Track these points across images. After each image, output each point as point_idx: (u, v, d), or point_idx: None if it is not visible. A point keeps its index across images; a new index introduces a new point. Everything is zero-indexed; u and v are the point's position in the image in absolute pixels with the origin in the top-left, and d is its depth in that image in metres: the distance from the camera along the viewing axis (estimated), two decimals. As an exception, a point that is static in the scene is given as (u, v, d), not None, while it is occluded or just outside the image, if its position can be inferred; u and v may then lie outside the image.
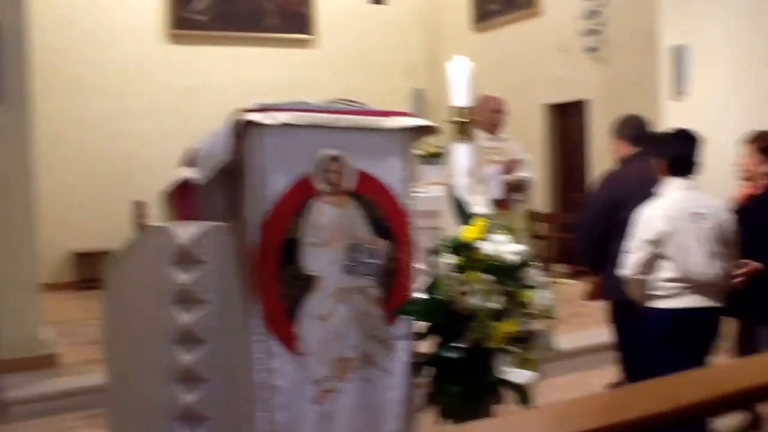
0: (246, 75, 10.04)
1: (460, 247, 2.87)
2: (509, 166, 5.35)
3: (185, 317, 2.58)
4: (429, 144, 5.82)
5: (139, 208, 7.67)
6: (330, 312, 2.74)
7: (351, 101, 2.92)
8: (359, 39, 10.86)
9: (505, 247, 2.83)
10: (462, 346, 2.84)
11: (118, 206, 8.63)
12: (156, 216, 9.05)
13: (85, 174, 9.06)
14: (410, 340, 2.95)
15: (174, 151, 9.47)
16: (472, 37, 10.49)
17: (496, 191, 5.15)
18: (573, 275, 7.39)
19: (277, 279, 2.62)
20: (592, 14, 8.28)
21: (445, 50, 11.19)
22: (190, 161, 2.78)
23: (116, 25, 9.36)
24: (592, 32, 8.28)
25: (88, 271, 8.58)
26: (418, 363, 2.95)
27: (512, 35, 9.72)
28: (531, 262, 2.89)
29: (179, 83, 9.70)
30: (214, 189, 2.84)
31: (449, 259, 2.85)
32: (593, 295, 4.20)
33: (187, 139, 9.63)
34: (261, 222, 2.59)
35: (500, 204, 5.05)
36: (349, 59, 10.72)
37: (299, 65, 10.44)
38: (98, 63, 9.18)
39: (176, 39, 9.80)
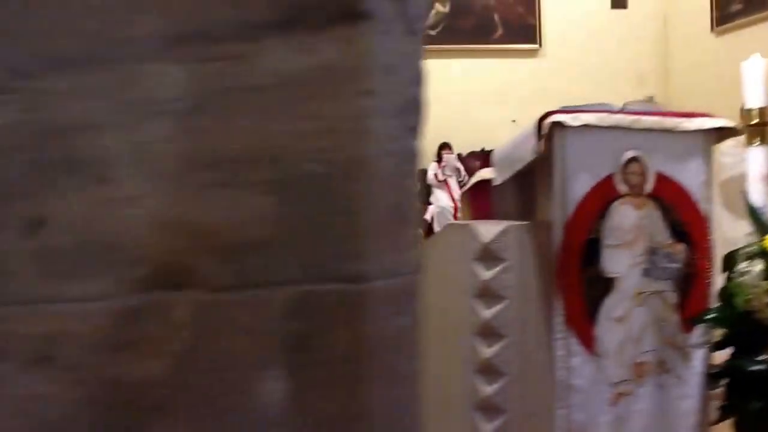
0: (473, 86, 10.21)
1: (765, 255, 2.74)
2: None
3: (486, 312, 2.68)
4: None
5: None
6: (627, 315, 2.73)
7: (648, 101, 2.90)
8: (586, 47, 10.66)
9: (820, 256, 2.66)
10: (766, 359, 2.71)
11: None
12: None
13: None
14: (707, 349, 2.86)
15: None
16: (712, 40, 9.94)
17: None
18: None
19: (578, 279, 2.65)
20: None
21: (680, 55, 10.74)
22: (489, 163, 2.90)
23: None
24: None
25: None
26: (714, 374, 2.85)
27: (758, 36, 9.09)
28: None
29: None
30: (505, 189, 2.93)
31: (753, 267, 2.72)
32: None
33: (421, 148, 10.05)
34: (564, 222, 2.63)
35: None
36: (575, 68, 10.56)
37: (526, 75, 10.44)
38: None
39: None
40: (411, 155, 1.28)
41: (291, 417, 1.12)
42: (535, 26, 10.68)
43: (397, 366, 1.23)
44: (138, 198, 1.04)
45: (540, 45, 10.65)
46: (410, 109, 1.27)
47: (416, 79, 1.29)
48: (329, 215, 1.14)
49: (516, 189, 2.90)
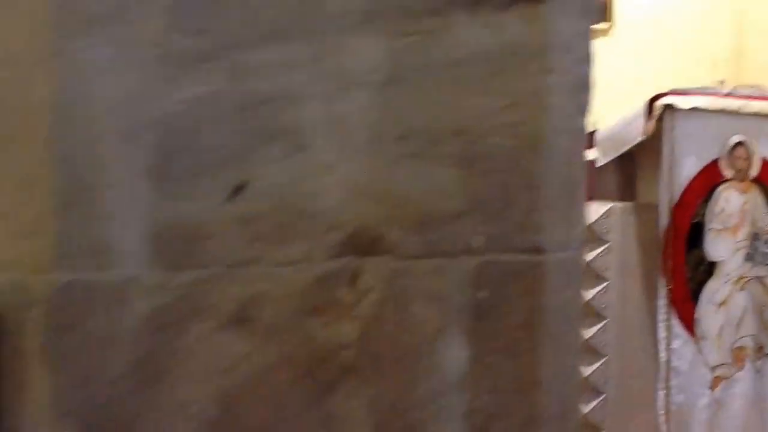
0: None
1: None
2: None
3: (586, 293, 2.70)
4: None
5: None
6: (728, 299, 2.73)
7: (755, 86, 2.88)
8: (659, 27, 10.40)
9: None
10: None
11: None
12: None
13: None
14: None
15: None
16: (789, 23, 9.66)
17: None
18: None
19: (683, 263, 2.66)
20: None
21: (755, 38, 10.42)
22: (591, 143, 2.90)
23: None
24: None
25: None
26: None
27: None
28: None
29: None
30: (603, 169, 2.93)
31: None
32: None
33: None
34: (671, 205, 2.64)
35: None
36: (647, 48, 10.32)
37: (597, 55, 10.25)
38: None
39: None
40: (581, 133, 1.30)
41: (471, 382, 1.16)
42: (606, 3, 10.49)
43: (565, 336, 1.25)
44: (333, 166, 1.07)
45: (612, 24, 10.46)
46: (582, 88, 1.29)
47: (587, 59, 1.31)
48: (512, 188, 1.17)
49: (614, 170, 2.90)
